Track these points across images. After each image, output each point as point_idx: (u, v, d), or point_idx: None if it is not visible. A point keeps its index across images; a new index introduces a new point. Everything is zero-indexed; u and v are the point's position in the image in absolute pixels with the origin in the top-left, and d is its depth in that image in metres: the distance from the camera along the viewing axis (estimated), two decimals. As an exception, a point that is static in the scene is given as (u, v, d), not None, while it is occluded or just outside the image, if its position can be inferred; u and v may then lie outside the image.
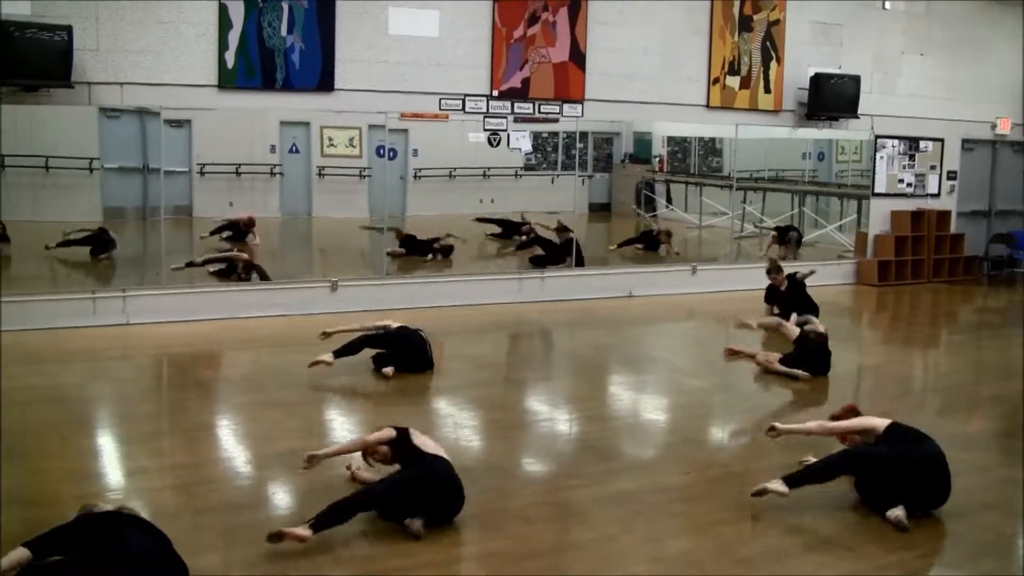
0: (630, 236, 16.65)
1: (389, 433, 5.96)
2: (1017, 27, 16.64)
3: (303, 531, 5.29)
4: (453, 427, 7.90)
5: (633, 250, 16.14)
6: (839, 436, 6.52)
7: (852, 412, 6.64)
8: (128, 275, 13.06)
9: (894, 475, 5.94)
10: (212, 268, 12.56)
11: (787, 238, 16.56)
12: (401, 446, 5.91)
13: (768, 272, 12.37)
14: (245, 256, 12.57)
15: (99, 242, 12.94)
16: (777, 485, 6.02)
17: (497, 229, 16.52)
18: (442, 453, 5.93)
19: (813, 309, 11.68)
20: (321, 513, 5.38)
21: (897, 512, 5.78)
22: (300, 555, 5.27)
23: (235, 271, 12.38)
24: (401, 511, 5.58)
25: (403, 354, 9.21)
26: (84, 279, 12.78)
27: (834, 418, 6.68)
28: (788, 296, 12.10)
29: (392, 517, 5.61)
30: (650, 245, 16.13)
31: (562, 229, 14.70)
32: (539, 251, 14.66)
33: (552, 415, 8.45)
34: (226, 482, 6.43)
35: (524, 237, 15.72)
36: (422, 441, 5.95)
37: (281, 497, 6.05)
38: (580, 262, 14.02)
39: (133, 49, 10.90)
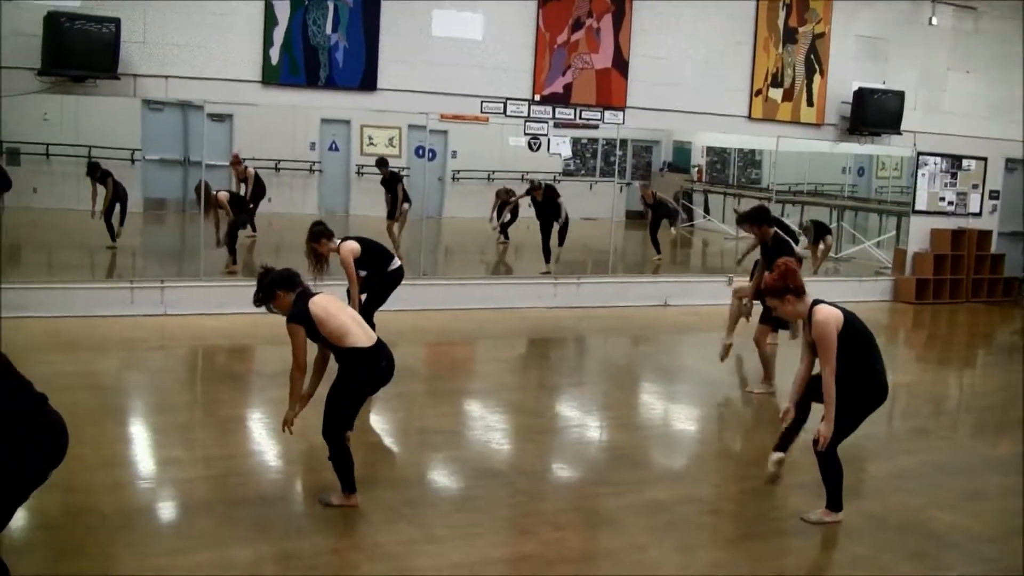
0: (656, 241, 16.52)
1: (299, 361, 5.72)
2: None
3: (351, 500, 5.78)
4: (484, 430, 7.91)
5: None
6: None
7: (788, 276, 5.73)
8: (167, 266, 13.16)
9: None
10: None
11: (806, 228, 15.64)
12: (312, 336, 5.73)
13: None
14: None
15: None
16: (826, 516, 5.96)
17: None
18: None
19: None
20: (340, 474, 5.78)
21: None
22: (330, 552, 5.30)
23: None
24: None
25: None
26: (123, 269, 12.91)
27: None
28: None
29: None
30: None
31: (534, 189, 14.74)
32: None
33: (584, 421, 8.43)
34: (259, 475, 6.47)
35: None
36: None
37: (313, 492, 6.06)
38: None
39: (179, 43, 11.00)
